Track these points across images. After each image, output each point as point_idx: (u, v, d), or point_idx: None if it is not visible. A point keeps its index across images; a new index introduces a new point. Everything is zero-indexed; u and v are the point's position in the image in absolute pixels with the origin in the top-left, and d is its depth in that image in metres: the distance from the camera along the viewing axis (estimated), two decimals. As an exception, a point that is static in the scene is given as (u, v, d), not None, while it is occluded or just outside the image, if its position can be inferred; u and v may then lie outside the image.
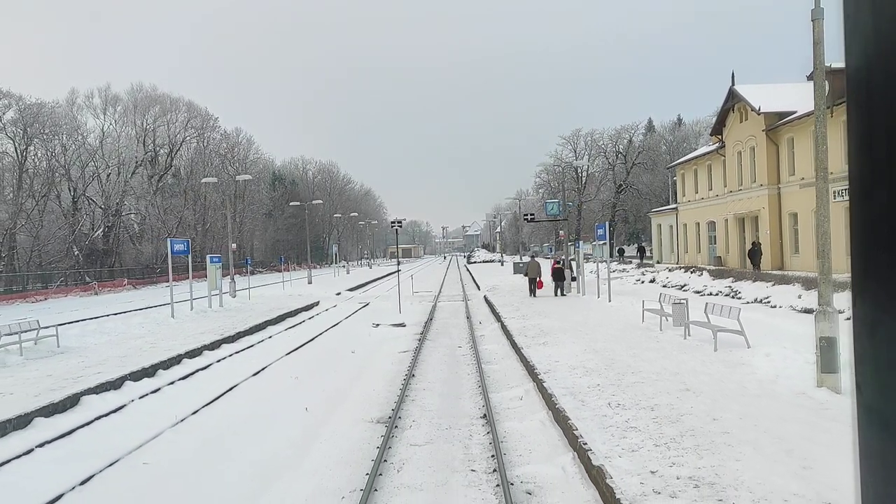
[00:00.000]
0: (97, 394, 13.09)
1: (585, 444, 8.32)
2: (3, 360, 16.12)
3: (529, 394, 12.51)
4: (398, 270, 39.82)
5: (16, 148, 58.44)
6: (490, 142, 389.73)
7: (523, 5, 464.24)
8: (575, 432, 8.92)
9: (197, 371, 16.09)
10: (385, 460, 9.19)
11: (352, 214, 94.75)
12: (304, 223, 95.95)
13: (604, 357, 14.12)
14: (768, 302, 25.86)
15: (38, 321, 18.79)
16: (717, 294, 30.61)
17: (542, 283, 33.93)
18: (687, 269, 41.48)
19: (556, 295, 31.92)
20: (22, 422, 11.07)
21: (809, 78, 35.64)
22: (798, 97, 36.17)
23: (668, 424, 8.82)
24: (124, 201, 73.73)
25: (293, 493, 8.17)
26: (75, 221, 65.81)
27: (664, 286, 36.23)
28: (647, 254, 67.52)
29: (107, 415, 11.87)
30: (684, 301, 17.04)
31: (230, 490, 8.20)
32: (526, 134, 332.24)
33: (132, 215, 79.79)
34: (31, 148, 59.80)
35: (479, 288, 44.94)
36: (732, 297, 28.88)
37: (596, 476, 7.50)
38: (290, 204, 79.48)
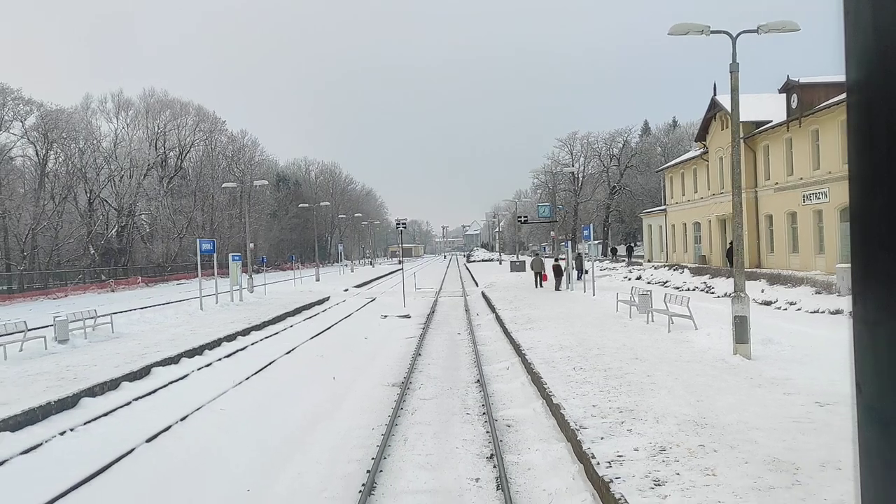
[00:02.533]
0: (163, 366, 16.07)
1: (551, 393, 11.28)
2: (73, 343, 19.10)
3: (514, 365, 15.50)
4: (402, 269, 42.76)
5: (37, 152, 61.42)
6: (490, 141, 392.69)
7: (525, 6, 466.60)
8: (545, 387, 11.88)
9: (237, 351, 19.08)
10: (402, 408, 12.16)
11: (356, 215, 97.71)
12: (306, 223, 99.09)
13: (577, 337, 17.12)
14: (736, 295, 28.77)
15: (95, 310, 21.79)
16: (693, 289, 33.52)
17: (546, 276, 37.03)
18: (671, 266, 44.43)
19: (556, 289, 34.89)
20: (113, 385, 14.05)
21: (781, 91, 38.69)
22: (775, 108, 39.09)
23: (613, 379, 11.80)
24: (137, 202, 76.64)
25: (335, 427, 11.14)
26: (91, 222, 68.77)
27: (648, 282, 39.14)
28: (639, 253, 70.47)
29: (176, 381, 14.85)
30: (649, 293, 20.05)
31: (290, 425, 11.16)
32: (526, 134, 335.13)
33: (143, 216, 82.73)
34: (51, 152, 62.77)
35: (477, 285, 47.92)
36: (706, 292, 31.82)
37: (555, 411, 10.47)
38: (300, 206, 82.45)
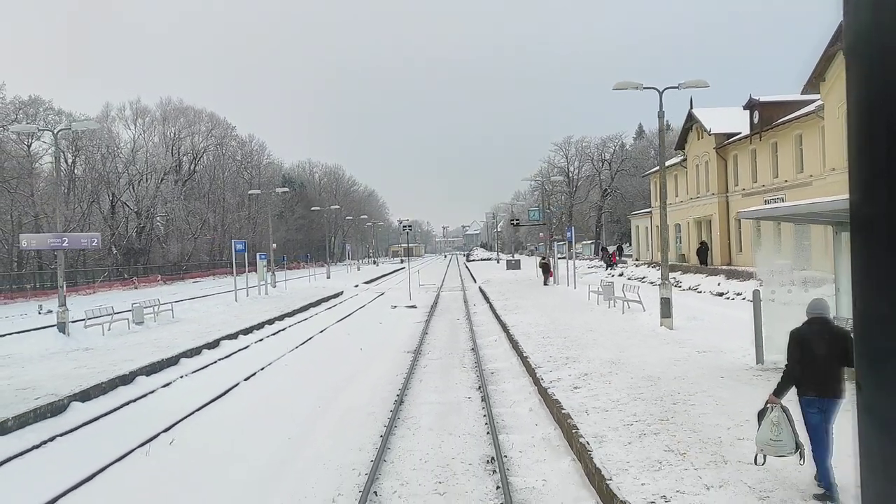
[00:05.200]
0: (228, 340, 20.66)
1: (524, 352, 15.81)
2: (147, 324, 23.67)
3: (501, 338, 20.07)
4: (408, 267, 47.27)
5: (66, 160, 66.00)
6: (490, 141, 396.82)
7: (525, 6, 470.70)
8: (521, 349, 16.42)
9: (279, 331, 23.65)
10: (416, 364, 16.70)
11: (362, 217, 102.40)
12: (311, 224, 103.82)
13: (551, 318, 21.70)
14: (698, 287, 33.39)
15: (158, 299, 26.33)
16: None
17: (552, 273, 41.65)
18: (650, 264, 48.99)
19: (544, 284, 39.56)
20: (196, 351, 18.60)
21: (745, 108, 43.20)
22: (744, 121, 43.71)
23: (569, 342, 16.37)
24: (155, 205, 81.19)
25: (370, 376, 15.66)
26: (114, 224, 73.39)
27: (629, 278, 43.67)
28: (627, 252, 74.99)
29: (241, 350, 19.41)
30: (611, 284, 24.62)
31: (337, 375, 15.65)
32: (526, 133, 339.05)
33: (158, 218, 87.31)
34: (78, 159, 67.41)
35: (475, 281, 52.50)
36: (674, 286, 36.27)
37: (524, 362, 15.03)
38: (312, 209, 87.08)
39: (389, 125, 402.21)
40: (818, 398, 6.28)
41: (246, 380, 14.71)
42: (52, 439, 10.26)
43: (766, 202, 39.55)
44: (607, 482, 6.86)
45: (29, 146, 61.92)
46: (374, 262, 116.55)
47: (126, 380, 14.33)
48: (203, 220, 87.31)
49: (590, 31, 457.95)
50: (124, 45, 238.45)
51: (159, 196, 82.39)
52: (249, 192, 56.90)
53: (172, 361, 16.83)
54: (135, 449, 9.60)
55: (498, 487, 7.84)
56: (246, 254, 35.88)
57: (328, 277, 60.57)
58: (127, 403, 12.70)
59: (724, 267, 38.66)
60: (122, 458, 9.21)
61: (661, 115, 17.56)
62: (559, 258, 43.29)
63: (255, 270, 39.66)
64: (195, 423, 11.26)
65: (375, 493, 7.84)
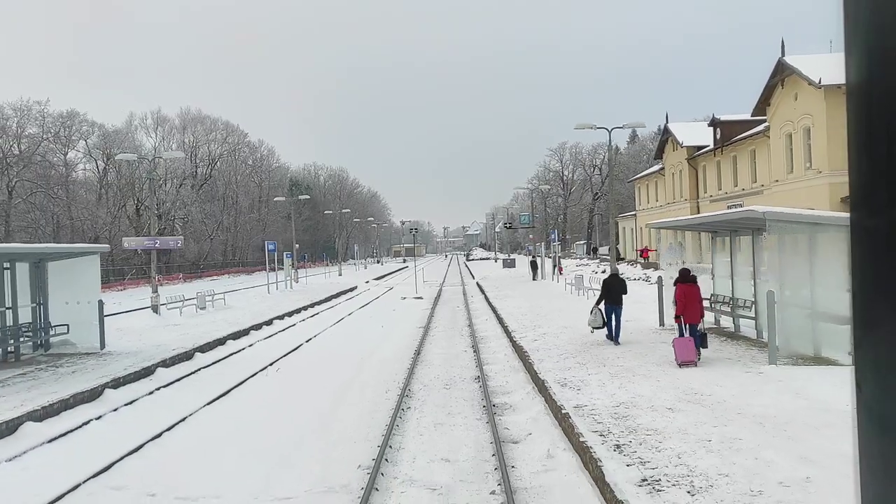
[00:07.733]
0: (278, 320, 26.47)
1: (506, 324, 21.62)
2: (208, 309, 29.45)
3: (491, 318, 25.91)
4: (414, 265, 53.08)
5: (97, 167, 71.93)
6: (492, 141, 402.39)
7: (528, 6, 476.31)
8: (504, 323, 22.23)
9: (314, 315, 29.47)
10: (427, 335, 22.50)
11: (368, 219, 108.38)
12: (317, 225, 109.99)
13: (531, 303, 27.56)
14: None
15: (213, 290, 32.13)
16: (637, 279, 43.87)
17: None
18: (629, 262, 54.86)
19: (532, 279, 45.44)
20: (257, 327, 24.40)
21: (709, 125, 48.95)
22: (712, 134, 49.44)
23: (539, 318, 22.21)
24: (175, 209, 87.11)
25: (392, 342, 21.44)
26: (139, 226, 79.28)
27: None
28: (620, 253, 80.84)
29: (291, 326, 25.22)
30: (581, 276, 30.47)
31: (368, 343, 21.41)
32: (528, 134, 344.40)
33: (176, 221, 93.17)
34: (108, 167, 73.31)
35: (473, 278, 58.37)
36: (644, 280, 42.18)
37: (505, 330, 20.85)
38: (325, 212, 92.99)
39: (390, 126, 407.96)
40: (611, 305, 14.86)
41: (307, 342, 20.56)
42: (197, 371, 16.05)
43: (728, 208, 45.33)
44: (538, 374, 12.68)
45: (65, 156, 67.82)
46: (379, 262, 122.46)
47: (221, 342, 20.15)
48: (218, 223, 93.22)
49: (589, 31, 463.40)
50: (124, 45, 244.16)
51: (178, 200, 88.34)
52: (275, 199, 62.84)
53: (245, 332, 22.65)
54: (257, 372, 15.43)
55: (480, 386, 13.65)
56: (276, 253, 41.70)
57: (340, 275, 66.47)
58: (231, 355, 18.51)
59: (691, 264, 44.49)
60: (252, 377, 15.05)
61: (609, 147, 23.34)
62: (558, 256, 49.15)
63: (278, 268, 45.48)
64: (286, 363, 17.10)
65: (409, 389, 13.64)
